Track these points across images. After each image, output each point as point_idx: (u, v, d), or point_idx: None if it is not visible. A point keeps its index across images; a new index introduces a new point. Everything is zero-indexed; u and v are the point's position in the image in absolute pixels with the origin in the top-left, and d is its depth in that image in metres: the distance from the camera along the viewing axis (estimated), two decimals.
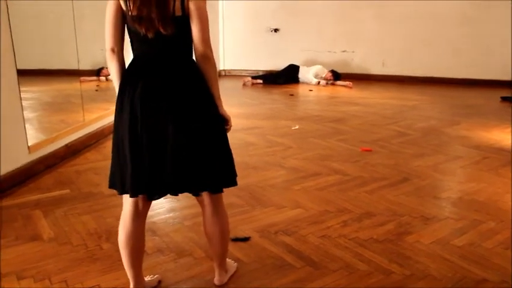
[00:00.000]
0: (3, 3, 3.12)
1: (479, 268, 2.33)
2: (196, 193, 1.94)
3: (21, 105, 3.37)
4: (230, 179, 1.91)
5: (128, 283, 2.10)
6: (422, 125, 5.15)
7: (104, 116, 4.59)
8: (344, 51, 8.15)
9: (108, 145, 4.33)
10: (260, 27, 8.26)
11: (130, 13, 1.72)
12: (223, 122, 1.88)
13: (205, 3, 1.75)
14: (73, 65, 4.46)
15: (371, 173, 3.63)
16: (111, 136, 4.54)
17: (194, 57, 1.83)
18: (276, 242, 2.55)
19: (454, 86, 7.63)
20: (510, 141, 4.52)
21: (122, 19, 1.76)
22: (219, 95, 1.86)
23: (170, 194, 1.86)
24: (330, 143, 4.40)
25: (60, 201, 3.08)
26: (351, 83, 7.48)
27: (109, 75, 5.17)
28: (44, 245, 2.52)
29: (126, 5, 1.72)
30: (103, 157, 3.99)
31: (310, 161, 3.87)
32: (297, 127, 4.88)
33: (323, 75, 7.64)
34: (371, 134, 4.75)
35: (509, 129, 5.01)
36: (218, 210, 1.98)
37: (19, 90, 3.34)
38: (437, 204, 3.12)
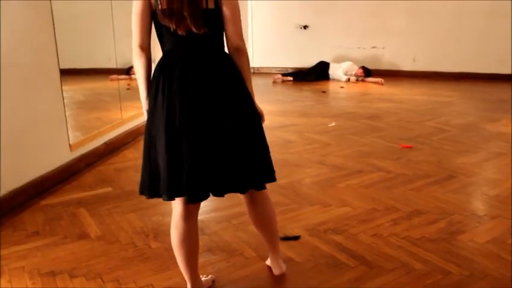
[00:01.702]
0: (46, 3, 3.13)
1: None
2: (242, 192, 1.86)
3: (64, 104, 3.38)
4: (271, 174, 1.86)
5: (181, 283, 2.09)
6: (459, 122, 5.02)
7: (141, 113, 4.57)
8: (373, 47, 8.02)
9: None
10: (289, 24, 8.19)
11: (159, 7, 1.67)
12: (260, 118, 1.83)
13: None
14: (102, 64, 4.47)
15: (414, 170, 3.55)
16: None
17: (226, 50, 1.79)
18: (327, 241, 2.49)
19: (485, 81, 7.43)
20: None
21: (150, 15, 1.71)
22: (252, 89, 1.82)
23: (215, 195, 1.78)
24: (368, 140, 4.32)
25: (103, 200, 3.07)
26: (382, 79, 7.35)
27: None
28: (93, 244, 2.51)
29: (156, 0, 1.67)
30: (141, 155, 3.95)
31: (351, 158, 3.80)
32: (333, 124, 4.81)
33: (354, 72, 7.54)
34: (408, 131, 4.65)
35: None
36: (261, 194, 1.94)
37: (61, 89, 3.35)
38: (486, 202, 3.02)
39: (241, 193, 1.85)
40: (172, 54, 1.71)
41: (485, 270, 2.22)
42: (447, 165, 3.66)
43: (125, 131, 4.29)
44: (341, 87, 7.16)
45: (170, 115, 1.66)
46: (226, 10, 1.68)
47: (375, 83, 7.37)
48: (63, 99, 3.38)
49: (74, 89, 4.47)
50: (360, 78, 7.50)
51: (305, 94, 6.74)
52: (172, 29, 1.67)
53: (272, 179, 1.85)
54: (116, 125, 4.16)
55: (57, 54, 3.27)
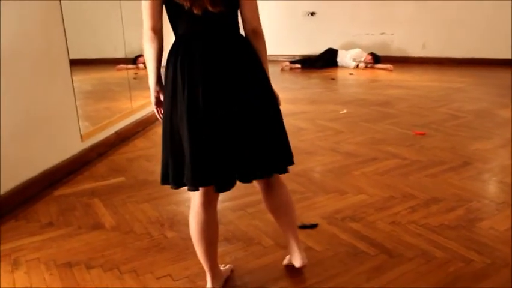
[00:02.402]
0: None
1: None
2: (265, 177, 1.84)
3: (74, 94, 3.35)
4: (290, 157, 1.82)
5: (200, 273, 2.07)
6: (472, 108, 4.95)
7: (150, 103, 4.54)
8: (382, 34, 7.91)
9: (156, 132, 4.31)
10: (296, 11, 8.08)
11: None
12: (277, 101, 1.79)
13: None
14: (108, 54, 4.43)
15: (429, 156, 3.50)
16: (157, 123, 4.55)
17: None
18: (345, 229, 2.46)
19: (495, 67, 7.31)
20: None
21: None
22: (268, 72, 1.77)
23: (241, 181, 1.73)
24: (380, 127, 4.27)
25: (116, 189, 3.05)
26: (391, 66, 7.27)
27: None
28: (108, 234, 2.49)
29: None
30: (152, 144, 3.96)
31: (365, 146, 3.75)
32: (344, 111, 4.76)
33: (362, 59, 7.45)
34: (421, 117, 4.59)
35: None
36: (276, 180, 1.89)
37: (71, 79, 3.32)
38: (504, 189, 2.97)
39: (267, 177, 1.83)
40: (188, 38, 1.64)
41: (507, 257, 2.18)
42: (462, 152, 3.61)
43: (135, 121, 4.25)
44: (350, 74, 7.08)
45: (193, 102, 1.60)
46: None
47: (384, 69, 7.29)
48: (73, 90, 3.34)
49: (82, 79, 4.43)
50: (369, 65, 7.42)
51: (314, 81, 6.67)
52: (186, 8, 1.59)
53: (291, 162, 1.81)
54: (125, 114, 4.13)
55: (66, 45, 3.22)
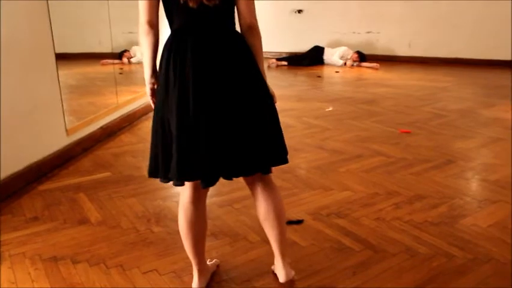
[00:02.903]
0: None
1: None
2: (252, 174, 1.78)
3: (60, 89, 3.32)
4: (284, 156, 1.78)
5: (186, 268, 2.09)
6: (457, 107, 5.03)
7: (136, 98, 4.54)
8: (368, 32, 7.99)
9: (141, 127, 4.30)
10: (284, 8, 8.12)
11: None
12: (272, 98, 1.77)
13: None
14: (93, 48, 4.39)
15: (414, 155, 3.54)
16: (143, 118, 4.53)
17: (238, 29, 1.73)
18: (330, 225, 2.48)
19: (480, 67, 7.45)
20: None
21: None
22: (264, 70, 1.75)
23: (224, 178, 1.72)
24: (366, 125, 4.31)
25: (102, 184, 3.04)
26: (377, 64, 7.34)
27: (132, 57, 5.07)
28: (94, 229, 2.48)
29: None
30: (138, 139, 3.94)
31: (350, 143, 3.78)
32: (330, 109, 4.79)
33: (348, 57, 7.51)
34: (406, 116, 4.64)
35: None
36: (269, 185, 1.83)
37: (57, 73, 3.29)
38: (486, 186, 3.03)
39: (250, 175, 1.77)
40: (182, 32, 1.64)
41: (488, 253, 2.23)
42: (445, 150, 3.67)
43: (121, 116, 4.23)
44: (336, 71, 7.13)
45: (183, 96, 1.60)
46: None
47: (370, 67, 7.35)
48: (59, 84, 3.32)
49: (66, 74, 4.39)
50: (355, 64, 7.48)
51: (300, 79, 6.70)
52: (182, 1, 1.59)
53: (285, 160, 1.78)
54: (111, 109, 4.11)
55: (52, 39, 3.19)
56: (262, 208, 1.84)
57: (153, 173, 1.75)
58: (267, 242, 2.26)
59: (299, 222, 2.49)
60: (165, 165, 1.69)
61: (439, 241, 2.33)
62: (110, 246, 2.30)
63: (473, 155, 3.62)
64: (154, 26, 1.67)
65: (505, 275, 2.07)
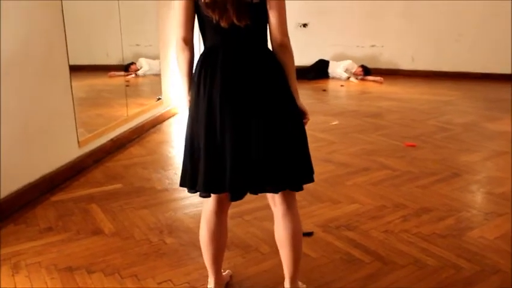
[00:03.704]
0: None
1: None
2: (277, 191, 1.78)
3: (73, 101, 3.39)
4: (309, 175, 1.80)
5: (200, 279, 2.14)
6: (461, 120, 5.08)
7: (145, 111, 4.62)
8: (373, 46, 8.08)
9: (150, 140, 4.36)
10: (289, 22, 8.09)
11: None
12: (301, 116, 1.79)
13: None
14: (100, 61, 4.46)
15: (420, 168, 3.59)
16: (151, 131, 4.59)
17: (270, 47, 1.75)
18: (340, 237, 2.53)
19: (483, 81, 7.51)
20: None
21: (193, 7, 1.68)
22: (297, 87, 1.77)
23: (251, 193, 1.75)
24: (372, 138, 4.36)
25: (114, 196, 3.09)
26: (381, 78, 7.41)
27: (138, 70, 5.14)
28: (107, 239, 2.53)
29: None
30: (147, 152, 4.00)
31: (357, 156, 3.84)
32: (336, 122, 4.85)
33: (353, 70, 7.59)
34: (411, 129, 4.70)
35: None
36: (291, 210, 1.82)
37: (71, 85, 3.36)
38: (492, 199, 3.07)
39: (275, 192, 1.76)
40: (214, 49, 1.69)
41: (496, 265, 2.27)
42: (451, 164, 3.72)
43: (130, 128, 4.29)
44: (341, 85, 7.20)
45: (211, 110, 1.66)
46: (271, 4, 1.63)
47: (374, 81, 7.42)
48: (72, 96, 3.39)
49: (74, 86, 4.48)
50: (359, 77, 7.55)
51: (305, 92, 6.77)
52: (214, 21, 1.64)
53: (311, 179, 1.78)
54: (121, 122, 4.17)
55: (67, 51, 3.27)
56: (281, 233, 1.84)
57: (183, 183, 1.81)
58: (278, 253, 2.30)
59: (309, 234, 2.54)
60: (192, 177, 1.74)
61: (447, 253, 2.37)
62: (124, 257, 2.34)
63: (478, 168, 3.67)
64: (188, 42, 1.73)
65: (511, 287, 2.11)
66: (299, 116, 1.77)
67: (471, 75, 7.68)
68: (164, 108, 5.07)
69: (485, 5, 7.47)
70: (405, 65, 8.05)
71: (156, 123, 4.82)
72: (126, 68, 4.74)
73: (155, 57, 5.03)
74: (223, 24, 1.63)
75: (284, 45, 1.69)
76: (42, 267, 2.27)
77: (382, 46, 8.05)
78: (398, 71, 8.04)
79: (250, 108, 1.65)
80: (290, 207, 1.82)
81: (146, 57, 5.00)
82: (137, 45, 5.02)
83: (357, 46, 8.07)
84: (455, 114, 5.39)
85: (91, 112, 4.33)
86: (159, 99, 5.03)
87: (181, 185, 1.82)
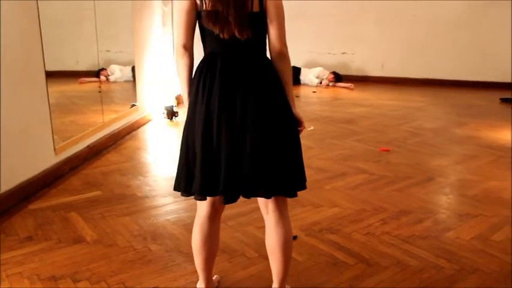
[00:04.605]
0: (33, 4, 3.08)
1: None
2: (268, 196, 1.78)
3: (49, 107, 3.33)
4: (302, 182, 1.82)
5: (187, 285, 2.14)
6: (431, 126, 5.24)
7: (121, 117, 4.57)
8: (343, 53, 8.23)
9: (127, 146, 4.32)
10: None
11: (204, 7, 1.66)
12: (297, 124, 1.81)
13: (282, 1, 1.71)
14: (70, 67, 4.39)
15: (395, 172, 3.69)
16: (127, 138, 4.54)
17: (269, 55, 1.78)
18: (323, 240, 2.57)
19: (451, 88, 7.76)
20: None
21: (195, 15, 1.71)
22: (293, 96, 1.81)
23: (244, 197, 1.77)
24: (348, 144, 4.45)
25: (94, 203, 3.05)
26: (352, 84, 7.56)
27: (109, 75, 5.07)
28: (90, 247, 2.49)
29: (201, 0, 1.66)
30: (125, 158, 3.96)
31: (334, 161, 3.91)
32: (312, 128, 4.92)
33: (324, 77, 7.71)
34: (384, 135, 4.81)
35: None
36: (284, 219, 1.83)
37: (47, 92, 3.30)
38: (466, 202, 3.18)
39: (268, 197, 1.77)
40: (213, 57, 1.72)
41: (473, 264, 2.36)
42: (424, 168, 3.83)
43: (107, 135, 4.24)
44: (313, 92, 7.30)
45: (209, 117, 1.68)
46: (270, 12, 1.66)
47: (345, 87, 7.56)
48: (48, 103, 3.33)
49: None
50: (330, 84, 7.68)
51: None
52: (215, 32, 1.67)
53: (303, 187, 1.81)
54: (97, 128, 4.12)
55: (43, 57, 3.22)
56: (273, 241, 1.85)
57: (177, 187, 1.81)
58: (265, 257, 2.33)
59: (294, 238, 2.57)
60: (187, 182, 1.76)
61: (427, 254, 2.44)
62: (109, 265, 2.32)
63: (450, 172, 3.80)
64: (188, 49, 1.75)
65: (490, 284, 2.19)
66: (294, 124, 1.79)
67: (439, 81, 7.93)
68: (139, 114, 5.03)
69: (452, 14, 7.75)
70: (375, 71, 8.24)
71: (131, 129, 4.77)
72: (97, 74, 4.66)
73: (127, 63, 4.99)
74: (222, 36, 1.66)
75: (283, 54, 1.72)
76: (24, 277, 2.22)
77: (353, 54, 8.22)
78: (368, 78, 8.21)
79: (247, 116, 1.68)
80: (283, 215, 1.84)
81: (117, 63, 4.94)
82: (108, 51, 4.96)
83: (329, 53, 8.21)
84: (425, 119, 5.55)
85: (64, 119, 4.25)
86: (133, 105, 4.99)
87: (175, 188, 1.82)
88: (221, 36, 1.66)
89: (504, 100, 6.80)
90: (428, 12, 7.79)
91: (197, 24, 1.75)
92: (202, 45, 1.79)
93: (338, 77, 7.71)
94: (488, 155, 4.19)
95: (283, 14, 1.72)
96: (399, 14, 7.90)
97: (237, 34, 1.65)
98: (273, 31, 1.69)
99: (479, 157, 4.14)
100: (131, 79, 5.06)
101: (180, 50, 1.75)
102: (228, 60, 1.70)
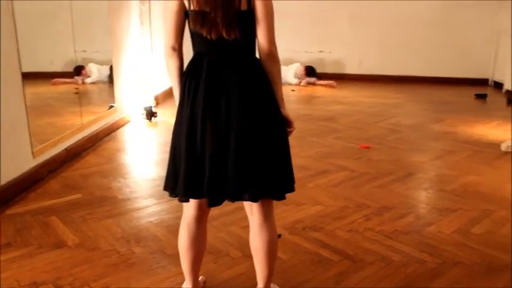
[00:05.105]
0: (4, 3, 3.01)
1: (503, 253, 2.45)
2: (255, 200, 1.74)
3: (26, 110, 3.27)
4: (290, 184, 1.81)
5: (174, 286, 2.11)
6: (409, 122, 5.32)
7: (99, 119, 4.51)
8: (321, 52, 8.28)
9: (106, 148, 4.27)
10: None
11: (191, 7, 1.64)
12: (285, 125, 1.78)
13: None
14: (44, 67, 4.31)
15: (376, 168, 3.73)
16: (106, 139, 4.49)
17: (258, 55, 1.74)
18: (307, 238, 2.58)
19: (427, 84, 7.89)
20: (497, 136, 4.73)
21: (184, 15, 1.69)
22: (282, 96, 1.77)
23: (229, 200, 1.74)
24: (328, 141, 4.48)
25: (74, 206, 2.99)
26: (334, 82, 7.61)
27: (87, 77, 4.96)
28: (72, 252, 2.45)
29: (189, 0, 1.65)
30: (105, 160, 3.91)
31: (316, 159, 3.92)
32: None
33: (302, 73, 7.69)
34: (364, 132, 4.86)
35: (491, 125, 5.26)
36: (268, 220, 1.81)
37: (24, 94, 3.23)
38: (445, 196, 3.23)
39: (254, 200, 1.74)
40: (201, 57, 1.70)
41: (455, 257, 2.40)
42: (404, 164, 3.88)
43: (85, 137, 4.18)
44: (292, 90, 7.32)
45: (193, 119, 1.66)
46: (258, 10, 1.63)
47: (327, 85, 7.60)
48: (25, 105, 3.26)
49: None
50: (305, 79, 7.67)
51: None
52: (203, 34, 1.65)
53: (291, 189, 1.79)
54: (76, 130, 4.05)
55: (19, 58, 3.15)
56: (257, 242, 1.83)
57: (166, 187, 1.81)
58: (249, 257, 2.31)
59: (278, 236, 2.56)
60: (174, 182, 1.75)
61: (410, 248, 2.48)
62: (92, 269, 2.28)
63: (429, 167, 3.86)
64: (177, 49, 1.73)
65: (472, 276, 2.24)
66: (283, 124, 1.76)
67: (415, 78, 8.05)
68: (118, 115, 4.97)
69: (427, 12, 7.88)
70: (352, 69, 8.31)
71: (110, 131, 4.71)
72: (77, 71, 4.55)
73: (103, 63, 4.91)
74: (210, 37, 1.64)
75: (272, 54, 1.69)
76: (4, 285, 2.17)
77: (330, 52, 8.27)
78: (345, 76, 8.28)
79: (232, 117, 1.65)
80: (267, 217, 1.82)
81: (95, 63, 4.85)
82: (84, 51, 4.88)
83: (306, 51, 8.24)
84: (402, 116, 5.62)
85: (40, 121, 4.16)
86: (111, 106, 4.92)
87: (165, 188, 1.82)
88: (208, 37, 1.64)
89: (479, 96, 6.94)
90: (404, 11, 7.90)
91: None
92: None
93: (310, 71, 7.69)
94: (465, 150, 4.27)
95: (273, 12, 1.68)
96: (375, 12, 7.98)
97: (224, 35, 1.62)
98: (261, 30, 1.66)
99: (457, 152, 4.22)
100: (107, 80, 4.97)
101: (169, 51, 1.74)
102: (215, 61, 1.68)
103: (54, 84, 4.37)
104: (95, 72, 4.81)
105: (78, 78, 4.57)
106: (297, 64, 7.83)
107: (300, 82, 7.65)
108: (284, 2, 7.94)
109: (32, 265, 2.33)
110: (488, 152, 4.21)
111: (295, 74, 7.73)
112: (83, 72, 4.63)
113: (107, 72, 4.94)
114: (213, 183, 1.67)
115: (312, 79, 7.72)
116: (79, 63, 4.61)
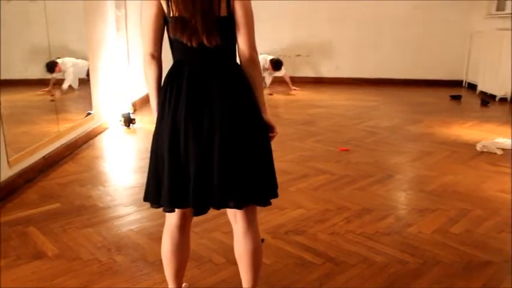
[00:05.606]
0: None
1: (481, 252, 2.50)
2: (240, 207, 1.72)
3: (1, 118, 3.20)
4: (274, 190, 1.81)
5: None
6: (387, 124, 5.39)
7: (77, 126, 4.45)
8: (298, 56, 8.34)
9: (84, 156, 4.21)
10: None
11: (171, 14, 1.61)
12: (268, 130, 1.77)
13: (251, 3, 1.67)
14: (19, 75, 4.24)
15: (355, 171, 3.76)
16: (84, 147, 4.42)
17: (238, 60, 1.74)
18: (290, 242, 2.59)
19: (403, 87, 8.03)
20: (472, 137, 4.84)
21: (163, 20, 1.66)
22: (264, 101, 1.76)
23: (214, 208, 1.72)
24: (308, 145, 4.51)
25: (53, 216, 2.94)
26: (298, 88, 7.68)
27: (61, 71, 4.81)
28: (52, 263, 2.40)
29: (168, 5, 1.61)
30: (83, 168, 3.85)
31: (296, 163, 3.94)
32: None
33: (266, 66, 7.51)
34: (342, 135, 4.91)
35: (466, 126, 5.37)
36: (252, 227, 1.80)
37: None
38: (424, 197, 3.28)
39: (239, 208, 1.72)
40: (181, 64, 1.67)
41: (436, 257, 2.44)
42: (383, 166, 3.93)
43: (63, 144, 4.11)
44: (270, 94, 7.34)
45: (175, 129, 1.63)
46: (238, 16, 1.62)
47: (288, 86, 7.64)
48: (0, 113, 3.19)
49: None
50: (281, 74, 7.67)
51: None
52: (184, 41, 1.62)
53: (275, 195, 1.78)
54: (53, 138, 3.98)
55: None
56: (242, 250, 1.82)
57: (146, 198, 1.77)
58: (233, 262, 2.32)
59: (261, 241, 2.56)
60: (156, 193, 1.71)
61: (392, 249, 2.51)
62: (75, 278, 2.24)
63: (407, 169, 3.91)
64: (156, 57, 1.69)
65: (452, 275, 2.27)
66: (265, 130, 1.75)
67: (392, 81, 8.18)
68: (96, 123, 4.91)
69: (401, 15, 8.02)
70: (330, 73, 8.39)
71: (88, 138, 4.65)
72: (51, 68, 4.42)
73: (80, 72, 4.83)
74: (190, 44, 1.62)
75: (252, 60, 1.68)
76: None
77: (307, 56, 8.34)
78: (323, 79, 8.36)
79: (215, 125, 1.63)
80: (251, 224, 1.81)
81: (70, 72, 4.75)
82: (59, 58, 4.81)
83: (284, 56, 8.28)
84: (380, 118, 5.70)
85: (16, 130, 4.09)
86: (89, 114, 4.86)
87: (145, 199, 1.78)
88: (189, 44, 1.62)
89: (454, 97, 7.08)
90: (378, 13, 8.02)
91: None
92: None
93: (276, 65, 7.56)
94: (442, 151, 4.35)
95: (252, 16, 1.67)
96: (351, 16, 8.09)
97: (205, 41, 1.60)
98: (241, 36, 1.65)
99: (434, 153, 4.29)
100: (78, 87, 4.86)
101: (147, 58, 1.69)
102: (196, 69, 1.65)
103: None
104: (70, 74, 4.66)
105: (52, 78, 4.43)
106: (264, 55, 7.62)
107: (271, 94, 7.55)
108: (260, 6, 7.98)
109: (12, 276, 2.28)
110: (464, 152, 4.29)
111: (263, 67, 7.68)
112: (56, 69, 4.50)
113: (84, 73, 4.80)
114: (198, 192, 1.65)
115: (282, 72, 7.58)
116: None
